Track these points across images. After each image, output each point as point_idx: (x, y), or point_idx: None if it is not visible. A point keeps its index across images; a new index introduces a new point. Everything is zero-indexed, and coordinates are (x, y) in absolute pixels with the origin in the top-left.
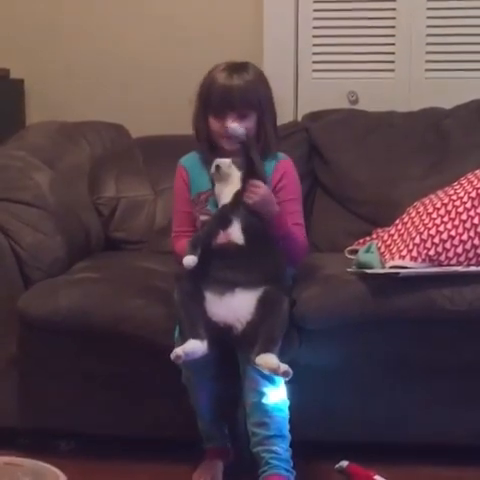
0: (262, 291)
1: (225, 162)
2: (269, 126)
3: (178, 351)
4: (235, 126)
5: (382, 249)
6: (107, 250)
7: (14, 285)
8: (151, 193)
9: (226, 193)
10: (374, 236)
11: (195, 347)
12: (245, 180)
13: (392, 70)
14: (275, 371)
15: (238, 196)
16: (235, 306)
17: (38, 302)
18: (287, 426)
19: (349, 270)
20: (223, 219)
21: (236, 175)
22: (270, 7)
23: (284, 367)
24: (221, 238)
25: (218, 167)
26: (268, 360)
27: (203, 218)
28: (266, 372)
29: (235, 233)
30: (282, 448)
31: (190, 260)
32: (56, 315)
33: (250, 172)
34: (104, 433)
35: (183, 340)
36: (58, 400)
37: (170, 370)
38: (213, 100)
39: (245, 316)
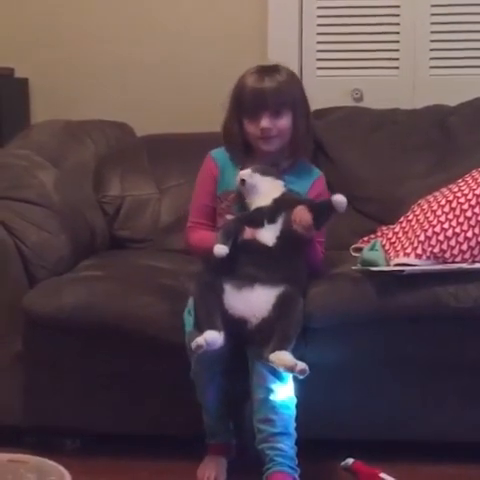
0: (281, 290)
1: (247, 173)
2: (301, 128)
3: (200, 340)
4: (342, 199)
5: (387, 247)
6: (112, 249)
7: (19, 284)
8: (156, 192)
9: (259, 200)
10: (379, 234)
11: (214, 338)
12: (310, 210)
13: (396, 67)
14: (291, 369)
15: (278, 203)
16: (253, 301)
17: (43, 300)
18: (293, 424)
19: (354, 268)
20: (254, 219)
21: (262, 180)
22: (274, 5)
23: (301, 365)
24: (247, 234)
25: (243, 180)
26: (283, 357)
27: (229, 217)
28: (280, 369)
29: (265, 235)
30: (287, 446)
31: (222, 249)
32: (61, 313)
33: (316, 215)
34: (109, 431)
35: (199, 331)
36: (63, 398)
37: (174, 368)
38: (246, 103)
39: (262, 312)
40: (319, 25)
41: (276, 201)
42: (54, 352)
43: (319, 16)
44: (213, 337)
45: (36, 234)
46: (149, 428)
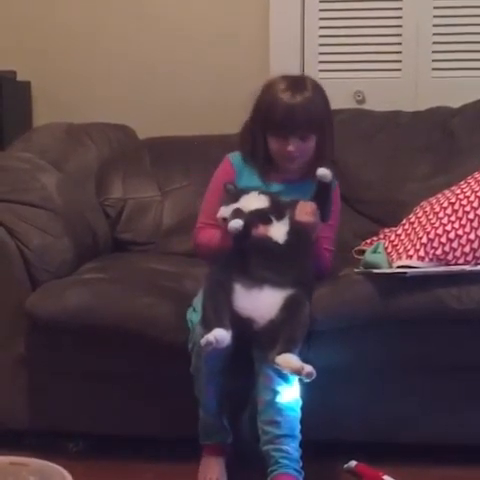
0: (289, 292)
1: (226, 212)
2: (328, 145)
3: (210, 337)
4: (325, 172)
5: (389, 249)
6: (114, 251)
7: (22, 286)
8: (158, 194)
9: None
10: (381, 236)
11: (222, 336)
12: (315, 201)
13: (399, 69)
14: (298, 371)
15: (277, 202)
16: (261, 302)
17: (46, 302)
18: (298, 426)
19: (356, 270)
20: (262, 215)
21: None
22: (276, 7)
23: (308, 368)
24: (259, 230)
25: (225, 219)
26: (289, 360)
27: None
28: (286, 372)
29: (276, 232)
30: (292, 448)
31: (237, 223)
32: (64, 314)
33: (320, 203)
34: (112, 433)
35: (206, 328)
36: (65, 400)
37: (178, 369)
38: (274, 121)
39: (269, 313)
40: (321, 27)
41: (273, 202)
42: (57, 354)
43: (321, 18)
44: (221, 335)
45: (39, 237)
46: (152, 430)
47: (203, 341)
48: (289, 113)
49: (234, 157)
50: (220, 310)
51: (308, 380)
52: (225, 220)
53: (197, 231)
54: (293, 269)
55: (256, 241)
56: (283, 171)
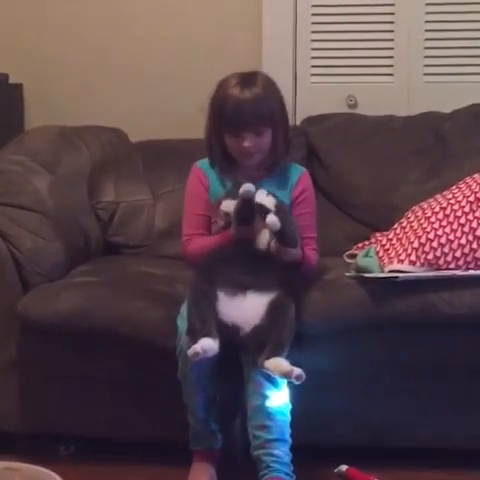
0: (273, 296)
1: (229, 205)
2: (281, 139)
3: (197, 348)
4: (272, 220)
5: (381, 253)
6: (106, 254)
7: (13, 290)
8: (150, 197)
9: None
10: (373, 240)
11: (210, 345)
12: (278, 238)
13: (391, 74)
14: (287, 375)
15: (280, 207)
16: (246, 308)
17: (38, 305)
18: (288, 430)
19: (348, 274)
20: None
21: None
22: (269, 11)
23: (297, 371)
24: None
25: (227, 214)
26: (279, 364)
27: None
28: (276, 376)
29: (260, 237)
30: (283, 452)
31: (250, 186)
32: (56, 317)
33: (282, 238)
34: (104, 437)
35: (192, 337)
36: (57, 403)
37: (169, 373)
38: (227, 119)
39: (254, 319)
40: (313, 32)
41: (277, 207)
42: (48, 357)
43: (313, 23)
44: (209, 344)
45: (30, 240)
46: (144, 433)
47: (190, 352)
48: (239, 108)
49: (201, 163)
50: (206, 319)
51: (298, 383)
52: (228, 215)
53: (186, 243)
54: (274, 271)
55: (237, 251)
56: (245, 169)
